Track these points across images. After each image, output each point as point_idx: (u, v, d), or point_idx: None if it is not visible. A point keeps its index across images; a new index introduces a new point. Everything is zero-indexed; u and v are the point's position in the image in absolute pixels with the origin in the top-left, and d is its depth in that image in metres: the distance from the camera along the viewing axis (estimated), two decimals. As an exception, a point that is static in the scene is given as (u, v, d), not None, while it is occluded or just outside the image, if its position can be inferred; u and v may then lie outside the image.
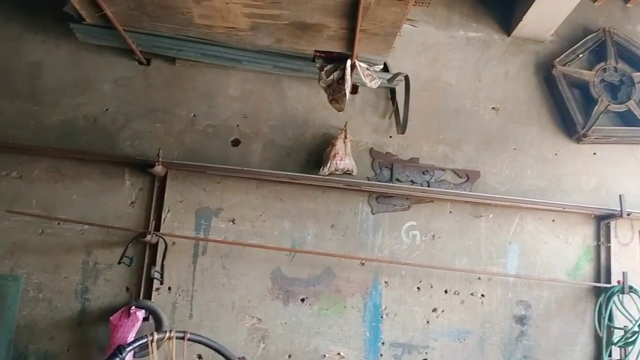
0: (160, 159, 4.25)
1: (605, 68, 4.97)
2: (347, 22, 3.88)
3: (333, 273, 4.44)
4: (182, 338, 3.03)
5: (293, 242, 4.46)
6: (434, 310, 4.49)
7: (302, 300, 4.38)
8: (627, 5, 5.19)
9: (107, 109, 4.53)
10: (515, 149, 4.87)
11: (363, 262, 4.48)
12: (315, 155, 4.60)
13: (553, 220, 4.74)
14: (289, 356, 4.29)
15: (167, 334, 3.01)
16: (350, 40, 4.09)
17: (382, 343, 4.39)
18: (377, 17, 3.82)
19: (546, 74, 4.99)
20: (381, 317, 4.43)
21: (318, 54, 4.35)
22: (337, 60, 4.29)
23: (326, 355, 4.32)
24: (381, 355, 4.37)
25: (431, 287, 4.51)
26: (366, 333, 4.39)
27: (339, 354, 4.33)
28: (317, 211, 4.53)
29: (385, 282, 4.48)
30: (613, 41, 5.02)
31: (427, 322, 4.46)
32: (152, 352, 2.84)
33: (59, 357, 4.11)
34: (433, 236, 4.62)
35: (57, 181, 4.36)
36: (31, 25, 4.58)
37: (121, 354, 2.91)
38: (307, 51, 4.39)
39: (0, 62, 4.50)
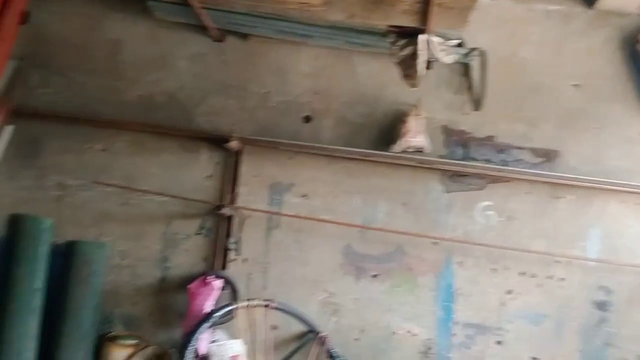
0: (235, 134, 4.28)
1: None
2: (422, -5, 3.76)
3: (404, 251, 4.36)
4: (267, 306, 3.03)
5: (364, 219, 4.40)
6: (509, 292, 4.33)
7: (374, 276, 4.33)
8: None
9: (183, 85, 4.58)
10: (598, 127, 4.61)
11: (435, 241, 4.36)
12: (386, 132, 4.49)
13: (639, 203, 4.46)
14: (362, 331, 4.25)
15: (255, 302, 3.02)
16: (424, 14, 3.94)
17: (455, 323, 4.28)
18: (453, -10, 3.68)
19: (632, 49, 4.68)
20: (454, 297, 4.31)
21: (391, 28, 4.23)
22: (410, 35, 4.14)
23: (398, 332, 4.26)
24: (454, 335, 4.26)
25: (506, 269, 4.36)
26: (438, 312, 4.29)
27: (410, 331, 4.26)
28: (388, 189, 4.44)
29: (458, 262, 4.36)
30: None
31: (502, 304, 4.31)
32: (238, 319, 2.86)
33: (141, 321, 4.24)
34: (509, 217, 4.44)
35: (138, 154, 4.46)
36: (111, 3, 4.67)
37: (210, 320, 2.95)
38: (379, 26, 4.26)
39: (83, 39, 4.62)
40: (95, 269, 3.94)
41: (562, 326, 4.28)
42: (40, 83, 4.53)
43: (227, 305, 3.04)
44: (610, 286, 4.34)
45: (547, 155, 4.57)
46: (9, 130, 4.36)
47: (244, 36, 4.65)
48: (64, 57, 4.57)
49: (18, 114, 4.39)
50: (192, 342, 2.82)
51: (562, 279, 4.35)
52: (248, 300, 3.02)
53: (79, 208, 4.39)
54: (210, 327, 2.97)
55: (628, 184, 4.40)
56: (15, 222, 3.70)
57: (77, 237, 4.14)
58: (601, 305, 4.31)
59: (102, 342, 3.96)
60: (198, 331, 2.89)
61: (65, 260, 3.93)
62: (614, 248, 4.40)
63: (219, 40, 4.65)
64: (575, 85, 4.69)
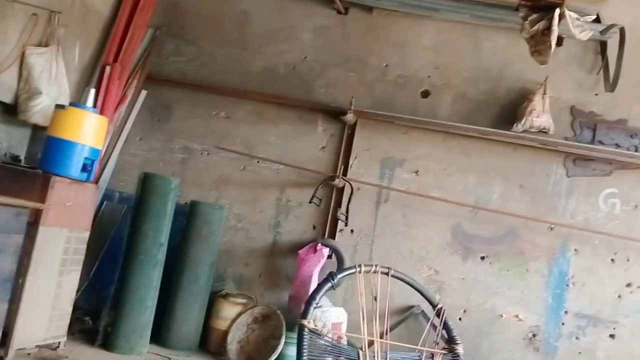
0: (352, 107, 4.30)
1: None
2: (561, -32, 3.50)
3: (517, 234, 4.19)
4: (387, 274, 3.05)
5: (477, 199, 4.27)
6: (629, 285, 4.05)
7: (482, 258, 4.21)
8: None
9: (305, 57, 4.64)
10: None
11: (552, 226, 4.16)
12: (508, 110, 4.30)
13: None
14: (464, 311, 4.17)
15: (374, 267, 3.05)
16: (561, -13, 3.69)
17: (566, 312, 4.08)
18: (593, -39, 3.40)
19: None
20: (567, 285, 4.10)
21: (523, 2, 4.00)
22: (543, 10, 3.90)
23: (503, 315, 4.13)
24: (563, 324, 4.07)
25: (628, 260, 4.07)
26: (548, 299, 4.11)
27: (517, 316, 4.12)
28: (505, 169, 4.28)
29: (575, 249, 4.13)
30: None
31: (619, 296, 4.04)
32: (359, 283, 2.91)
33: (251, 281, 4.44)
34: (635, 206, 4.13)
35: (258, 123, 4.61)
36: (241, -23, 4.82)
37: (333, 280, 3.02)
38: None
39: (214, 11, 4.80)
40: (214, 229, 4.12)
41: (682, 325, 3.95)
42: (173, 51, 4.79)
43: (349, 268, 3.08)
44: None
45: None
46: (142, 95, 4.67)
47: (368, 9, 4.61)
48: (195, 28, 4.79)
49: (151, 80, 4.67)
50: (317, 300, 2.91)
51: (688, 276, 4.00)
52: (370, 265, 3.03)
53: (202, 171, 4.63)
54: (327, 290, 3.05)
55: None
56: (147, 181, 3.90)
57: (198, 198, 4.38)
58: None
59: (215, 298, 4.17)
60: (321, 291, 2.98)
61: (187, 219, 4.14)
62: None
63: (343, 12, 4.66)
64: None
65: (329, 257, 4.21)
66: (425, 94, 4.48)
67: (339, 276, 3.09)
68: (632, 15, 4.28)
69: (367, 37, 4.61)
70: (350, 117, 4.35)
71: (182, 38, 4.79)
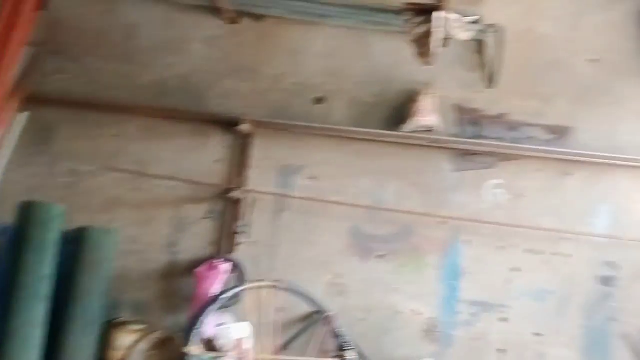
0: (246, 117, 4.24)
1: None
2: (437, -28, 3.61)
3: (412, 231, 4.29)
4: (275, 287, 3.04)
5: (372, 200, 4.32)
6: (515, 269, 4.25)
7: (380, 256, 4.30)
8: None
9: (196, 69, 4.49)
10: (612, 103, 4.43)
11: (443, 220, 4.30)
12: (399, 111, 4.36)
13: (650, 178, 4.31)
14: (367, 311, 4.21)
15: (263, 283, 3.03)
16: (441, -10, 3.81)
17: (460, 301, 4.24)
18: (468, -34, 3.51)
19: (654, 23, 4.42)
20: (460, 275, 4.26)
21: (407, 6, 4.09)
22: (426, 13, 4.00)
23: (403, 311, 4.21)
24: (458, 312, 4.24)
25: (513, 246, 4.26)
26: (443, 291, 4.23)
27: (414, 310, 4.23)
28: (398, 169, 4.36)
29: (465, 240, 4.29)
30: None
31: (507, 281, 4.24)
32: (246, 301, 2.88)
33: (149, 305, 4.21)
34: (518, 195, 4.32)
35: (149, 139, 4.41)
36: (126, -13, 4.61)
37: (218, 301, 2.98)
38: (395, 4, 4.13)
39: (98, 25, 4.55)
40: (105, 255, 3.87)
41: (566, 302, 4.19)
42: (55, 69, 4.48)
43: (234, 287, 3.06)
44: (617, 262, 4.21)
45: (560, 132, 4.42)
46: (23, 117, 4.34)
47: (258, 17, 4.55)
48: (80, 43, 4.52)
49: (32, 101, 4.35)
50: (198, 325, 2.86)
51: (569, 256, 4.23)
52: (256, 281, 3.01)
53: (90, 194, 4.35)
54: (218, 310, 3.01)
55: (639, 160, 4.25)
56: (26, 210, 3.59)
57: (88, 223, 4.04)
58: (606, 281, 4.20)
59: (109, 328, 3.90)
60: (204, 314, 2.93)
61: (75, 246, 3.83)
62: (623, 224, 4.25)
63: (234, 22, 4.56)
64: (592, 61, 4.49)
65: (231, 272, 4.13)
66: (320, 100, 4.48)
67: (224, 297, 3.05)
68: (508, 14, 4.47)
69: (260, 45, 4.54)
70: (244, 127, 4.29)
71: (65, 55, 4.50)
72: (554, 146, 4.34)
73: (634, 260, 4.23)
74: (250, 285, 3.01)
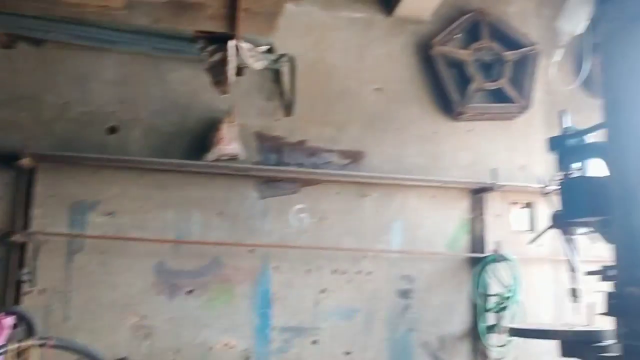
0: (26, 150, 3.77)
1: (479, 47, 4.93)
2: (228, 0, 3.57)
3: (221, 262, 4.17)
4: (43, 345, 2.64)
5: (177, 233, 4.13)
6: (323, 291, 4.36)
7: (189, 292, 4.09)
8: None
9: (-36, 98, 3.93)
10: (397, 128, 4.79)
11: (251, 248, 4.25)
12: (200, 140, 4.25)
13: (433, 196, 4.72)
14: (177, 351, 3.99)
15: (26, 343, 2.62)
16: (232, 19, 3.77)
17: (272, 329, 4.20)
18: (258, -5, 3.54)
19: (426, 54, 4.90)
20: (270, 302, 4.23)
21: (199, 34, 3.99)
22: (220, 41, 3.94)
23: (215, 346, 4.07)
24: (271, 341, 4.19)
25: (320, 268, 4.38)
26: (255, 320, 4.18)
27: (226, 344, 4.10)
28: (203, 199, 4.22)
29: (274, 267, 4.28)
30: (487, 21, 4.99)
31: (316, 303, 4.32)
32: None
33: None
34: (321, 218, 4.46)
35: None
36: None
37: None
38: (187, 31, 4.01)
39: None
40: None
41: (371, 318, 4.40)
42: None
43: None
44: (412, 275, 4.54)
45: (354, 157, 4.65)
46: None
47: (37, 42, 4.10)
48: None
49: None
50: None
51: (370, 273, 4.47)
52: (18, 341, 2.61)
53: None
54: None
55: (424, 179, 4.63)
56: None
57: None
58: (404, 294, 4.51)
59: None
60: None
61: None
62: (414, 239, 4.61)
63: (8, 46, 4.06)
64: (377, 89, 4.82)
65: (15, 325, 3.58)
66: (113, 130, 4.17)
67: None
68: (300, 45, 4.62)
69: (41, 72, 4.11)
70: (25, 162, 3.80)
71: None
72: (349, 170, 4.55)
73: (426, 272, 4.58)
74: (11, 346, 2.58)
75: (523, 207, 4.91)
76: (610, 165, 2.75)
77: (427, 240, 4.63)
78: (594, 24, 3.10)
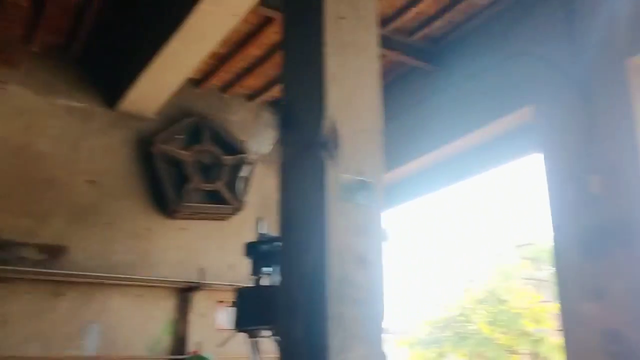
0: None
1: (200, 150, 4.89)
2: None
3: None
4: None
5: None
6: (-9, 407, 3.68)
7: None
8: (224, 95, 5.18)
9: None
10: (108, 223, 4.46)
11: None
12: None
13: (139, 295, 4.42)
14: None
15: None
16: None
17: None
18: None
19: (147, 151, 4.71)
20: None
21: None
22: None
23: None
24: None
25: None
26: None
27: None
28: None
29: None
30: (208, 126, 5.00)
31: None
32: None
33: None
34: (4, 321, 3.85)
35: None
36: None
37: None
38: None
39: None
40: None
41: None
42: None
43: None
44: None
45: (54, 252, 4.19)
46: None
47: None
48: None
49: None
50: None
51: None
52: None
53: None
54: None
55: (130, 277, 4.36)
56: None
57: None
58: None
59: None
60: None
61: None
62: (113, 341, 4.27)
63: None
64: (90, 181, 4.48)
65: None
66: None
67: None
68: (5, 128, 4.19)
69: None
70: None
71: None
72: (46, 266, 4.07)
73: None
74: None
75: (229, 306, 4.81)
76: (281, 275, 2.77)
77: (127, 343, 4.32)
78: (279, 146, 3.18)
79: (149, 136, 4.73)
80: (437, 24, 4.19)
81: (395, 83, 4.70)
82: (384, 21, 3.99)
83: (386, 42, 3.88)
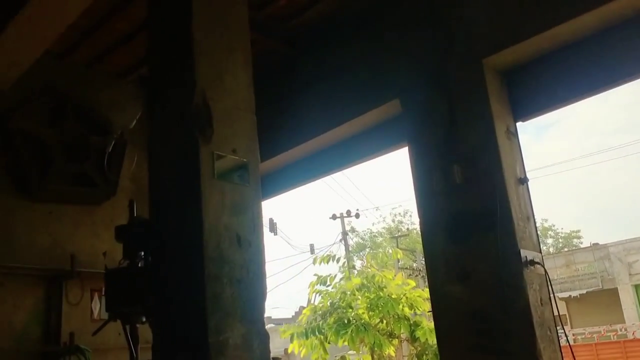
0: None
1: (64, 129, 4.41)
2: None
3: None
4: None
5: None
6: None
7: None
8: (89, 71, 4.68)
9: None
10: None
11: None
12: None
13: (1, 283, 3.91)
14: None
15: None
16: None
17: None
18: None
19: (3, 127, 4.11)
20: None
21: None
22: None
23: None
24: None
25: None
26: None
27: None
28: None
29: None
30: (74, 104, 4.52)
31: None
32: None
33: None
34: None
35: None
36: None
37: None
38: None
39: None
40: None
41: None
42: None
43: None
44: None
45: None
46: None
47: None
48: None
49: None
50: None
51: None
52: None
53: None
54: None
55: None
56: None
57: None
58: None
59: None
60: None
61: None
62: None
63: None
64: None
65: None
66: None
67: None
68: None
69: None
70: None
71: None
72: None
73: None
74: None
75: (104, 295, 4.47)
76: (153, 256, 2.60)
77: (-9, 337, 3.80)
78: (149, 122, 2.92)
79: (4, 112, 4.17)
80: (309, 14, 4.07)
81: (268, 71, 4.46)
82: (258, 6, 3.81)
83: (259, 27, 3.72)
